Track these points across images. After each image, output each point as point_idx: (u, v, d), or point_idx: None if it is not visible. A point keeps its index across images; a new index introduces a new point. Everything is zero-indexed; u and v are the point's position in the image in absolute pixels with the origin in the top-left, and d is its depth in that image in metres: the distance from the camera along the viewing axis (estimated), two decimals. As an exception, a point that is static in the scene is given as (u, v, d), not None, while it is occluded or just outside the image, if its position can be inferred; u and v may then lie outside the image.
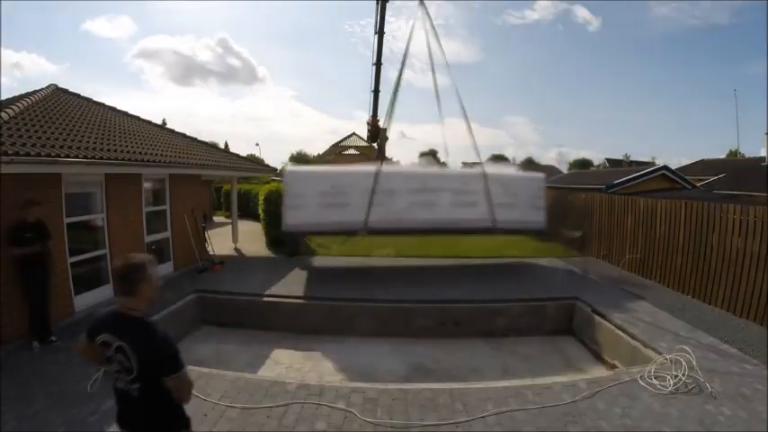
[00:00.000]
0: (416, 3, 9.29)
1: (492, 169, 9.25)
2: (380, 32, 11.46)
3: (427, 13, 9.19)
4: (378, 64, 14.04)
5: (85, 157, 5.69)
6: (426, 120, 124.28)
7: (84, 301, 6.15)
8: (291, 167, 9.46)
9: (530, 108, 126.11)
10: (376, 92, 15.89)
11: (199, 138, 12.38)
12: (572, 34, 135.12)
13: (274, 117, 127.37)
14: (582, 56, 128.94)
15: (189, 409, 2.09)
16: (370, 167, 8.52)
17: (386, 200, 8.26)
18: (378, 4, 10.51)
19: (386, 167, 8.50)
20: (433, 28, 9.12)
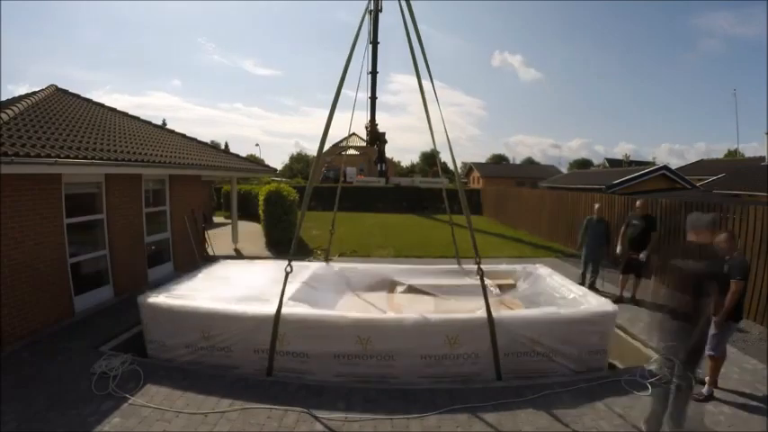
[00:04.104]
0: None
1: None
2: (374, 42, 11.58)
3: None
4: (374, 73, 14.07)
5: (85, 157, 5.69)
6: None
7: (84, 302, 6.15)
8: (142, 298, 4.76)
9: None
10: (373, 98, 15.84)
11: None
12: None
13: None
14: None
15: (189, 409, 2.07)
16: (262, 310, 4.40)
17: None
18: (371, 15, 10.64)
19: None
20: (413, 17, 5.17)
